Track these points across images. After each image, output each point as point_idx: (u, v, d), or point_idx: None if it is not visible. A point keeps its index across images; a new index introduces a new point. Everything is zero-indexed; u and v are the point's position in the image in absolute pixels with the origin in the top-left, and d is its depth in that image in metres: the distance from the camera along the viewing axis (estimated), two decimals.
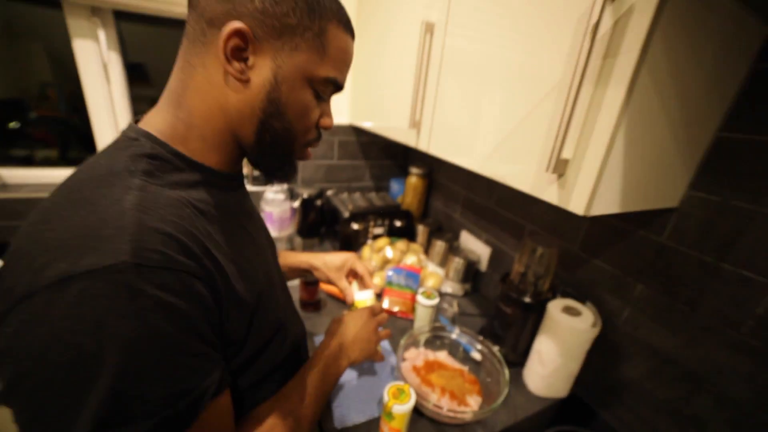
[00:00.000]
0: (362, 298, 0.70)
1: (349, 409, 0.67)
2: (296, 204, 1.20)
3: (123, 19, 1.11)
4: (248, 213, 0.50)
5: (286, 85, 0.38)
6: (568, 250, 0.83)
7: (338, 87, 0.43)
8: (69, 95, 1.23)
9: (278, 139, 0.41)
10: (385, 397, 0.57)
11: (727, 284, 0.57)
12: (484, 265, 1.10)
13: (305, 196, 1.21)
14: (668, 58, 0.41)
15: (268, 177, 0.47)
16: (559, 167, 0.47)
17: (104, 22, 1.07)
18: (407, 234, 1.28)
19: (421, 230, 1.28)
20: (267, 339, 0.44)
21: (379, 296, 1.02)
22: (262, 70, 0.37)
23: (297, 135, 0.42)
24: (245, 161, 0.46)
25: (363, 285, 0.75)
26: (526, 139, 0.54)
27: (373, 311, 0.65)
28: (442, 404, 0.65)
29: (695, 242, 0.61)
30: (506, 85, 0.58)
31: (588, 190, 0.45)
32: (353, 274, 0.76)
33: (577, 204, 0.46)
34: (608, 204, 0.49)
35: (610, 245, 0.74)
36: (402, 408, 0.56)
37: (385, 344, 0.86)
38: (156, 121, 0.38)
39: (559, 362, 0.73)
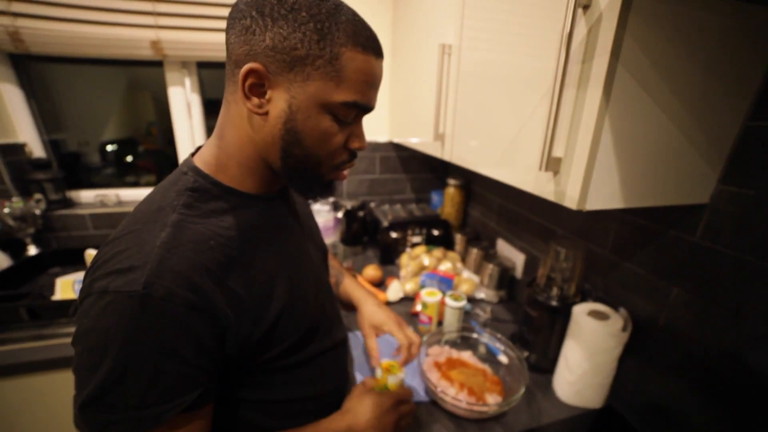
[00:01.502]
0: (392, 381, 0.60)
1: None
2: (340, 214, 1.32)
3: (203, 67, 1.36)
4: (286, 227, 0.52)
5: (301, 113, 0.40)
6: (599, 254, 0.81)
7: (364, 109, 0.43)
8: (165, 131, 1.53)
9: (301, 163, 0.43)
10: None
11: None
12: (519, 272, 1.09)
13: (348, 207, 1.32)
14: (647, 57, 0.43)
15: (304, 196, 0.51)
16: (552, 165, 0.50)
17: (189, 71, 1.33)
18: (445, 243, 1.31)
19: (459, 239, 1.31)
20: (297, 340, 0.49)
21: (412, 299, 1.08)
22: (278, 103, 0.40)
23: (321, 159, 0.44)
24: None
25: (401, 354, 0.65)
26: (525, 142, 0.58)
27: (398, 400, 0.57)
28: (461, 398, 0.68)
29: (731, 240, 0.57)
30: (509, 95, 0.62)
31: (579, 186, 0.47)
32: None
33: (570, 199, 0.49)
34: (607, 199, 0.50)
35: (642, 247, 0.71)
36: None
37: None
38: (205, 153, 0.45)
39: (586, 367, 0.71)
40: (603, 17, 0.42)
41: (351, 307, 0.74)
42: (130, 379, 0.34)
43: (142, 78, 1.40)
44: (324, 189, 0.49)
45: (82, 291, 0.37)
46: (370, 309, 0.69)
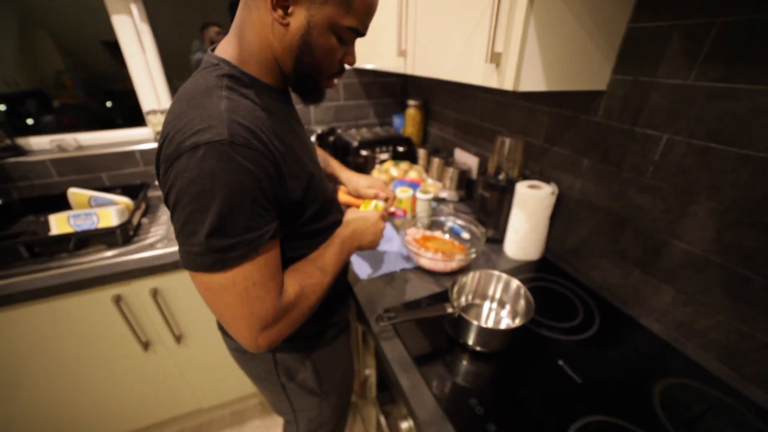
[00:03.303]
0: (381, 204, 0.86)
1: (366, 267, 0.93)
2: (312, 138, 1.42)
3: None
4: (297, 120, 0.64)
5: (316, 30, 0.49)
6: (535, 144, 1.03)
7: (360, 34, 0.54)
8: (83, 81, 1.38)
9: (309, 70, 0.54)
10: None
11: (638, 143, 0.76)
12: (474, 173, 1.30)
13: (319, 131, 1.43)
14: None
15: (303, 99, 0.61)
16: (495, 58, 0.66)
17: None
18: (410, 157, 1.49)
19: (421, 154, 1.49)
20: (321, 205, 0.62)
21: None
22: (298, 18, 0.48)
23: (323, 68, 0.55)
24: None
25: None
26: (475, 45, 0.73)
27: (383, 214, 0.80)
28: (437, 256, 0.90)
29: (618, 116, 0.79)
30: (460, 8, 0.75)
31: (514, 72, 0.64)
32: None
33: (508, 83, 0.66)
34: (534, 82, 0.68)
35: (564, 133, 0.93)
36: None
37: (391, 229, 1.11)
38: (227, 50, 0.53)
39: (527, 227, 0.95)
40: None
41: (338, 182, 0.96)
42: (239, 207, 0.44)
43: (35, 12, 1.16)
44: (320, 93, 0.61)
45: (167, 158, 0.45)
46: (357, 178, 0.94)
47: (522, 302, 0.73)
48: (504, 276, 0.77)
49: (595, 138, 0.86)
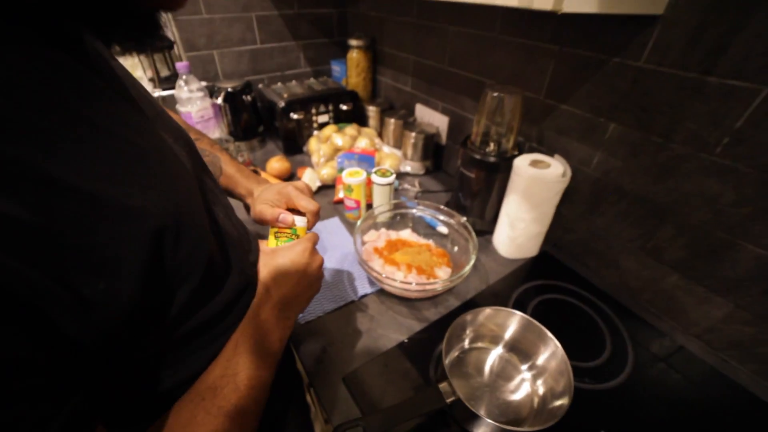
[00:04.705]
0: (300, 224, 0.49)
1: (314, 305, 0.63)
2: (219, 100, 1.00)
3: None
4: (116, 90, 0.29)
5: None
6: (533, 101, 0.73)
7: None
8: None
9: None
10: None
11: (708, 102, 0.50)
12: (444, 138, 1.00)
13: (229, 89, 1.00)
14: None
15: (102, 36, 0.28)
16: None
17: None
18: (356, 118, 1.13)
19: (372, 112, 1.14)
20: (199, 280, 0.30)
21: (333, 186, 0.94)
22: None
23: None
24: None
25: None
26: None
27: (314, 241, 0.47)
28: (410, 280, 0.62)
29: (679, 58, 0.52)
30: None
31: None
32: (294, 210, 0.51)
33: None
34: (583, 1, 0.37)
35: (581, 84, 0.65)
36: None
37: (341, 227, 0.80)
38: None
39: (528, 220, 0.69)
40: None
41: (238, 198, 0.58)
42: None
43: None
44: (141, 25, 0.26)
45: None
46: (264, 194, 0.52)
47: (562, 377, 0.47)
48: (527, 320, 0.51)
49: (632, 93, 0.58)
